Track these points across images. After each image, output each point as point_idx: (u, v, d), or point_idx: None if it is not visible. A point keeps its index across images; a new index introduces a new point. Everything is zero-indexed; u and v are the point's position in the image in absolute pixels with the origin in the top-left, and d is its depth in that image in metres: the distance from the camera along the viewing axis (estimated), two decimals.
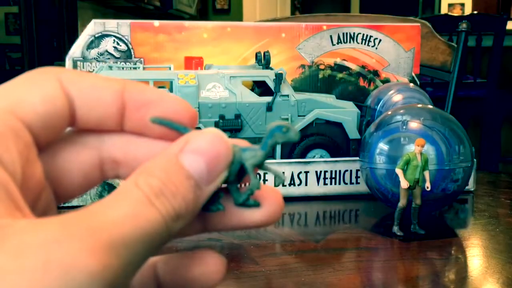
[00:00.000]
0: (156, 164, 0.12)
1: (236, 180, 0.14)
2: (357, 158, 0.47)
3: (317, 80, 0.56)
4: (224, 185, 0.14)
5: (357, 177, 0.50)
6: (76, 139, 0.14)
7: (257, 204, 0.14)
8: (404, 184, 0.38)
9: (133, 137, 0.14)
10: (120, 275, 0.10)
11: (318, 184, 0.50)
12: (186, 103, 0.14)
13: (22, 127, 0.12)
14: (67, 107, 0.13)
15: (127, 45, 0.52)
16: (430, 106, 0.46)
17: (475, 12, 2.27)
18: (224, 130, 0.50)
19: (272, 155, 0.52)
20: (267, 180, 0.49)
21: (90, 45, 0.51)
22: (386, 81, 0.58)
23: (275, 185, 0.14)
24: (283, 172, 0.47)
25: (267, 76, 0.51)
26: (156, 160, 0.12)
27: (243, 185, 0.14)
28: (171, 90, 0.49)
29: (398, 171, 0.38)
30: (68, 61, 0.51)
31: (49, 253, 0.10)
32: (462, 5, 2.63)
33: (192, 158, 0.12)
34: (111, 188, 0.44)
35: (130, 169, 0.14)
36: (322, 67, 0.56)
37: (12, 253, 0.09)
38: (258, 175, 0.14)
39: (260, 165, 0.14)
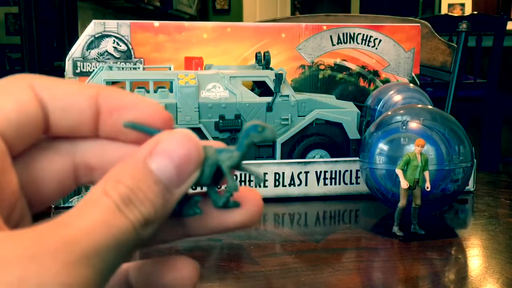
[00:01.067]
0: (124, 170, 0.12)
1: (213, 183, 0.14)
2: (357, 158, 0.47)
3: (317, 80, 0.56)
4: (198, 189, 0.14)
5: (357, 177, 0.50)
6: (48, 146, 0.14)
7: (237, 205, 0.14)
8: (404, 184, 0.38)
9: (108, 142, 0.14)
10: (94, 285, 0.11)
11: (318, 185, 0.50)
12: (160, 107, 0.14)
13: None
14: (40, 114, 0.13)
15: (127, 46, 0.52)
16: (430, 107, 0.46)
17: (475, 12, 2.27)
18: (224, 130, 0.51)
19: (272, 155, 0.52)
20: (266, 180, 0.49)
21: (90, 46, 0.51)
22: (386, 81, 0.58)
23: (255, 186, 0.14)
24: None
25: (267, 77, 0.51)
26: (124, 164, 0.12)
27: (223, 187, 0.14)
28: (171, 90, 0.49)
29: (398, 171, 0.38)
30: (68, 62, 0.51)
31: (25, 269, 0.10)
32: (462, 5, 2.63)
33: (160, 161, 0.12)
34: None
35: (104, 174, 0.14)
36: (322, 67, 0.56)
37: None
38: (235, 176, 0.14)
39: (237, 166, 0.14)
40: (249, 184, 0.48)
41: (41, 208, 0.14)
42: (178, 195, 0.13)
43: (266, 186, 0.48)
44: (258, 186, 0.13)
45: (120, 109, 0.13)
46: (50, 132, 0.14)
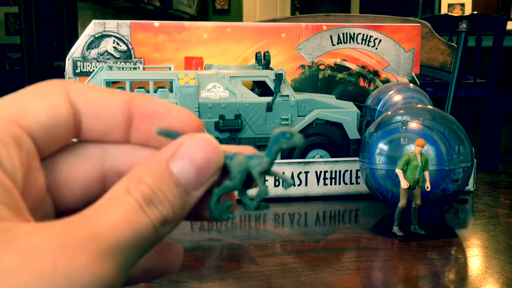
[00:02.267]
0: (147, 170, 0.13)
1: (244, 188, 0.14)
2: (357, 158, 0.47)
3: (317, 80, 0.56)
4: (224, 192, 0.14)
5: (357, 177, 0.50)
6: (78, 151, 0.14)
7: (267, 207, 0.14)
8: (404, 184, 0.38)
9: (139, 148, 0.14)
10: (117, 277, 0.11)
11: (318, 185, 0.50)
12: (192, 114, 0.14)
13: (25, 136, 0.12)
14: (72, 118, 0.13)
15: (127, 45, 0.52)
16: (430, 106, 0.46)
17: (475, 12, 2.27)
18: (224, 130, 0.50)
19: None
20: (267, 180, 0.49)
21: (90, 45, 0.51)
22: (386, 81, 0.58)
23: (284, 189, 0.15)
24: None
25: (267, 76, 0.51)
26: (146, 164, 0.13)
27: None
28: (171, 90, 0.49)
29: (398, 171, 0.38)
30: (68, 61, 0.51)
31: (56, 257, 0.10)
32: (462, 5, 2.63)
33: (181, 164, 0.13)
34: None
35: None
36: (322, 67, 0.56)
37: (22, 254, 0.10)
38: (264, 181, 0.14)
39: (267, 172, 0.14)
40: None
41: (66, 214, 0.14)
42: (196, 197, 0.13)
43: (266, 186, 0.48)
44: (287, 188, 0.13)
45: (153, 116, 0.14)
46: (81, 136, 0.14)
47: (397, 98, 0.52)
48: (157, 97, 0.15)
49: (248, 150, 0.14)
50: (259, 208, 0.14)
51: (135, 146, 0.14)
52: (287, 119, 0.51)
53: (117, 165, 0.14)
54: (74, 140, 0.14)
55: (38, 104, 0.13)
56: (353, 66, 0.57)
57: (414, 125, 0.42)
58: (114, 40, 0.51)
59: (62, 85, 0.13)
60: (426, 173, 0.38)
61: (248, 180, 0.14)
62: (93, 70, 0.51)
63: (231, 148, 0.14)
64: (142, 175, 0.12)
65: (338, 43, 0.56)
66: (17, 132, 0.12)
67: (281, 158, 0.51)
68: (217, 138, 0.50)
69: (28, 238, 0.10)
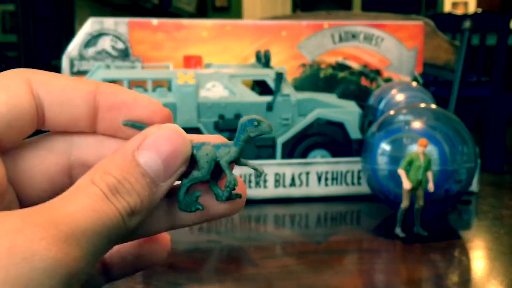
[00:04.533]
0: (112, 162, 0.12)
1: (214, 178, 0.14)
2: (359, 158, 0.46)
3: (318, 79, 0.56)
4: (193, 184, 0.14)
5: (358, 178, 0.50)
6: (42, 143, 0.14)
7: (239, 196, 0.14)
8: (406, 185, 0.37)
9: (106, 138, 0.14)
10: (82, 265, 0.11)
11: (319, 185, 0.49)
12: (159, 104, 0.14)
13: None
14: (34, 109, 0.13)
15: (125, 44, 0.51)
16: (433, 106, 0.45)
17: (479, 10, 2.26)
18: (224, 130, 0.50)
19: (272, 156, 0.51)
20: (267, 181, 0.48)
21: (87, 44, 0.51)
22: (388, 80, 0.57)
23: (256, 179, 0.14)
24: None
25: (267, 75, 0.50)
26: (112, 157, 0.13)
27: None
28: (169, 89, 0.49)
29: (401, 171, 0.37)
30: (65, 60, 0.51)
31: (13, 241, 0.10)
32: (466, 3, 2.62)
33: (148, 155, 0.12)
34: None
35: None
36: (323, 66, 0.56)
37: None
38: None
39: (236, 161, 0.14)
40: (249, 179, 0.47)
41: (31, 204, 0.14)
42: (165, 188, 0.13)
43: (266, 187, 0.48)
44: (258, 178, 0.13)
45: (119, 106, 0.14)
46: (45, 127, 0.14)
47: (400, 97, 0.51)
48: (125, 88, 0.14)
49: (216, 139, 0.14)
50: (230, 198, 0.14)
51: (101, 136, 0.14)
52: (288, 119, 0.51)
53: (83, 156, 0.14)
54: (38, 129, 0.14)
55: None
56: (355, 65, 0.56)
57: (417, 124, 0.41)
58: (111, 39, 0.51)
59: (24, 74, 0.13)
60: (429, 174, 0.38)
61: (218, 170, 0.14)
62: (91, 69, 0.50)
63: (199, 138, 0.14)
64: (107, 167, 0.12)
65: (339, 42, 0.56)
66: None
67: (282, 158, 0.51)
68: None
69: None
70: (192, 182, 0.13)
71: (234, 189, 0.14)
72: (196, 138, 0.14)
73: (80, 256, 0.11)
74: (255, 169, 0.14)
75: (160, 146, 0.13)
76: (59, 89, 0.13)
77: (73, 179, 0.14)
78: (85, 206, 0.11)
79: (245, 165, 0.14)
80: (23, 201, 0.14)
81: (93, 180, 0.12)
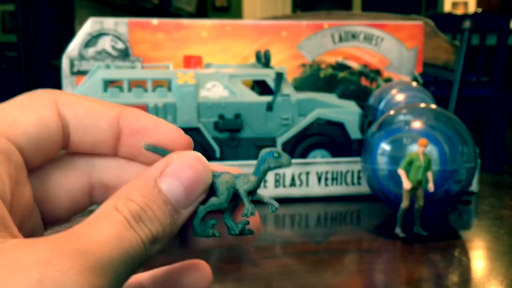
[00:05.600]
0: (135, 188, 0.13)
1: (230, 208, 0.14)
2: (359, 158, 0.46)
3: (318, 79, 0.56)
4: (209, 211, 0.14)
5: (358, 178, 0.50)
6: (66, 163, 0.14)
7: (251, 233, 0.14)
8: (406, 185, 0.37)
9: (127, 162, 0.14)
10: None
11: (319, 185, 0.49)
12: (180, 131, 0.14)
13: (14, 149, 0.12)
14: (61, 131, 0.13)
15: (125, 44, 0.51)
16: (433, 106, 0.45)
17: (479, 10, 2.26)
18: (224, 130, 0.50)
19: None
20: (267, 181, 0.48)
21: (87, 44, 0.51)
22: (388, 80, 0.57)
23: (270, 212, 0.14)
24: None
25: (268, 75, 0.50)
26: (135, 183, 0.13)
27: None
28: (169, 89, 0.49)
29: (401, 171, 0.37)
30: (65, 60, 0.51)
31: (42, 272, 0.10)
32: (466, 3, 2.61)
33: (170, 182, 0.13)
34: None
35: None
36: (323, 66, 0.56)
37: (7, 269, 0.10)
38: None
39: (253, 192, 0.14)
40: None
41: (54, 224, 0.14)
42: (186, 215, 0.13)
43: (266, 187, 0.48)
44: (272, 213, 0.13)
45: (142, 131, 0.14)
46: (69, 148, 0.14)
47: (400, 97, 0.51)
48: (147, 113, 0.15)
49: (234, 170, 0.14)
50: (243, 233, 0.14)
51: (122, 159, 0.14)
52: (288, 119, 0.51)
53: (104, 178, 0.14)
54: (62, 151, 0.14)
55: (26, 116, 0.13)
56: (355, 65, 0.56)
57: (417, 124, 0.41)
58: (111, 39, 0.51)
59: (51, 96, 0.13)
60: (429, 174, 0.38)
61: (234, 201, 0.14)
62: (91, 69, 0.50)
63: (217, 167, 0.14)
64: (130, 193, 0.12)
65: (339, 42, 0.56)
66: (6, 145, 0.12)
67: None
68: (216, 138, 0.50)
69: (13, 253, 0.10)
70: (209, 209, 0.13)
71: (248, 223, 0.14)
72: (215, 167, 0.14)
73: (104, 286, 0.11)
74: (270, 204, 0.14)
75: (182, 173, 0.13)
76: (84, 112, 0.13)
77: (93, 199, 0.15)
78: (110, 234, 0.11)
79: (261, 199, 0.14)
80: (46, 220, 0.14)
81: (117, 206, 0.12)
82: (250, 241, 0.14)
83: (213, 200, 0.13)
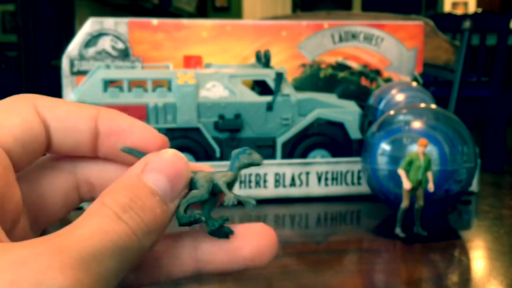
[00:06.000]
0: (121, 184, 0.13)
1: (209, 204, 0.14)
2: (359, 158, 0.46)
3: (318, 79, 0.56)
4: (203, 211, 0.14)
5: (358, 178, 0.50)
6: (52, 164, 0.14)
7: (231, 232, 0.14)
8: (406, 185, 0.37)
9: (107, 162, 0.15)
10: None
11: (319, 185, 0.49)
12: (155, 132, 0.14)
13: (1, 151, 0.12)
14: (43, 133, 0.13)
15: (125, 44, 0.51)
16: (433, 106, 0.45)
17: (479, 10, 2.26)
18: (224, 130, 0.50)
19: (272, 156, 0.51)
20: (266, 181, 0.48)
21: (87, 44, 0.51)
22: (388, 80, 0.57)
23: (246, 208, 0.14)
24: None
25: (267, 75, 0.50)
26: (119, 181, 0.13)
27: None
28: (169, 89, 0.49)
29: (401, 171, 0.37)
30: (65, 60, 0.51)
31: (16, 273, 0.10)
32: (466, 3, 2.61)
33: (154, 176, 0.13)
34: None
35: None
36: (323, 66, 0.56)
37: None
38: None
39: (230, 186, 0.14)
40: (249, 179, 0.47)
41: (47, 225, 0.14)
42: (173, 208, 0.13)
43: (266, 187, 0.48)
44: (247, 208, 0.13)
45: (118, 132, 0.14)
46: (51, 151, 0.14)
47: (400, 97, 0.51)
48: (123, 113, 0.15)
49: (208, 168, 0.15)
50: (221, 227, 0.14)
51: (103, 160, 0.15)
52: (288, 119, 0.51)
53: (88, 177, 0.15)
54: (44, 153, 0.14)
55: (10, 119, 0.13)
56: (355, 65, 0.56)
57: (417, 124, 0.41)
58: (111, 39, 0.51)
59: (30, 100, 0.13)
60: (429, 174, 0.37)
61: (213, 197, 0.14)
62: (91, 69, 0.50)
63: (193, 165, 0.14)
64: (117, 188, 0.12)
65: (339, 42, 0.56)
66: None
67: (282, 158, 0.51)
68: (216, 138, 0.50)
69: None
70: (191, 202, 0.14)
71: (228, 220, 0.14)
72: (191, 165, 0.14)
73: (91, 281, 0.10)
74: (246, 201, 0.14)
75: (164, 167, 0.13)
76: (63, 115, 0.14)
77: (82, 198, 0.15)
78: (94, 228, 0.11)
79: (237, 198, 0.14)
80: (39, 222, 0.14)
81: (104, 201, 0.12)
82: (267, 252, 0.14)
83: (194, 192, 0.14)
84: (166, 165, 0.13)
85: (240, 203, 0.14)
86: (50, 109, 0.13)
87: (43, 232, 0.14)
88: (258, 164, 0.15)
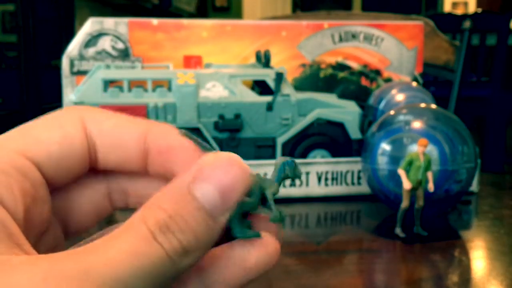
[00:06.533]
0: (166, 196, 0.12)
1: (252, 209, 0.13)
2: (359, 158, 0.46)
3: (318, 79, 0.56)
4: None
5: (358, 178, 0.50)
6: (86, 181, 0.14)
7: (257, 235, 0.13)
8: (406, 185, 0.37)
9: (156, 181, 0.14)
10: None
11: (319, 185, 0.49)
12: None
13: (31, 166, 0.12)
14: (86, 149, 0.13)
15: (125, 44, 0.51)
16: (433, 106, 0.45)
17: (479, 10, 2.26)
18: (224, 130, 0.50)
19: (272, 155, 0.51)
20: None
21: (87, 44, 0.51)
22: (388, 80, 0.57)
23: (271, 221, 0.13)
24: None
25: (267, 75, 0.50)
26: (166, 190, 0.12)
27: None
28: (169, 89, 0.49)
29: (401, 171, 0.37)
30: (65, 60, 0.51)
31: None
32: (466, 3, 2.61)
33: (204, 187, 0.12)
34: None
35: (139, 199, 0.14)
36: (323, 66, 0.56)
37: None
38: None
39: (274, 195, 0.13)
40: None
41: (79, 234, 0.14)
42: (224, 221, 0.12)
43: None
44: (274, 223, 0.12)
45: (168, 151, 0.13)
46: (98, 166, 0.14)
47: (400, 97, 0.51)
48: (174, 129, 0.14)
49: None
50: (248, 234, 0.13)
51: (153, 178, 0.14)
52: (288, 119, 0.51)
53: (122, 184, 0.14)
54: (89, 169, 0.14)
55: (50, 134, 0.13)
56: (355, 65, 0.56)
57: (417, 124, 0.41)
58: (111, 39, 0.51)
59: (79, 113, 0.13)
60: (429, 174, 0.37)
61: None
62: (91, 69, 0.50)
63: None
64: (160, 201, 0.11)
65: (339, 42, 0.56)
66: (22, 162, 0.12)
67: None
68: (216, 138, 0.50)
69: (8, 273, 0.10)
70: (242, 210, 0.12)
71: (251, 221, 0.13)
72: None
73: None
74: (274, 212, 0.13)
75: (217, 176, 0.11)
76: (110, 130, 0.13)
77: (114, 206, 0.14)
78: (126, 249, 0.10)
79: (271, 206, 0.13)
80: (70, 230, 0.14)
81: (144, 216, 0.11)
82: (272, 256, 0.13)
83: (245, 199, 0.12)
84: (219, 173, 0.11)
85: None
86: (97, 123, 0.13)
87: (75, 239, 0.14)
88: (298, 178, 0.14)
